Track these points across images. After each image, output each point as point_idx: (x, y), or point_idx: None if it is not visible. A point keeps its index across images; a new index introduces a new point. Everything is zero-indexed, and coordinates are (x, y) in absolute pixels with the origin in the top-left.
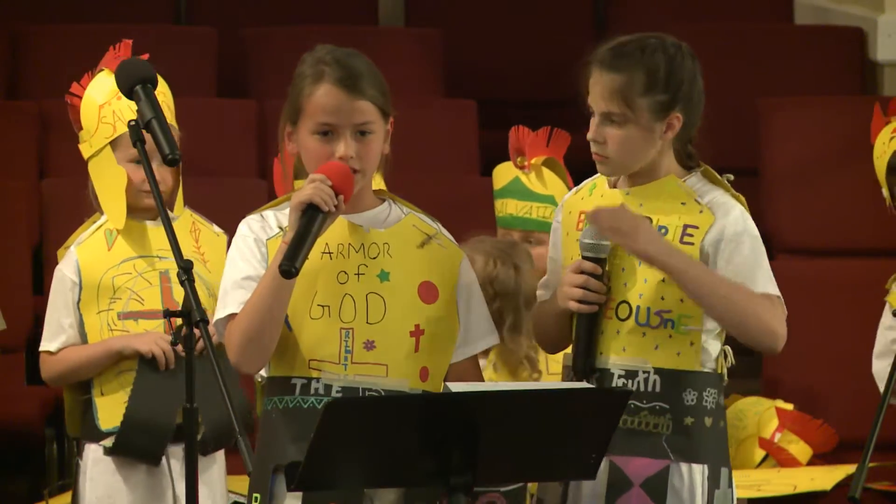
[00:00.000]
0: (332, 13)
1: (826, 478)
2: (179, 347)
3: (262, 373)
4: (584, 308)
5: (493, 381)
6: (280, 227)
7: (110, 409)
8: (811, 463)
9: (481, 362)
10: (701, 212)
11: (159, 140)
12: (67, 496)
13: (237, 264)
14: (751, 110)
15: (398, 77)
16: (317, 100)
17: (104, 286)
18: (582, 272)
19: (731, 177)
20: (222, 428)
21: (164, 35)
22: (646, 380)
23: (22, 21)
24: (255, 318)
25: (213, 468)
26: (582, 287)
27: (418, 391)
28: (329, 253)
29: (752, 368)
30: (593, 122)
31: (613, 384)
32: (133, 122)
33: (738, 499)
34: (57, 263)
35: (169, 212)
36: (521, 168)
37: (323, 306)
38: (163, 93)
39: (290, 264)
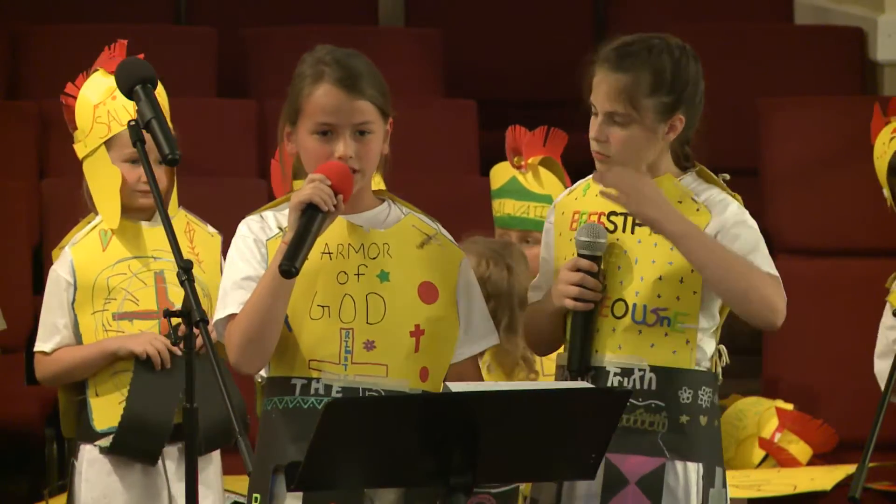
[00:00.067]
0: (332, 13)
1: (826, 478)
2: (174, 348)
3: (262, 373)
4: (580, 306)
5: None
6: (280, 228)
7: (105, 409)
8: (811, 463)
9: None
10: (698, 210)
11: (159, 140)
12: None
13: (237, 265)
14: (751, 110)
15: (398, 77)
16: (316, 100)
17: (99, 287)
18: (578, 270)
19: (727, 176)
20: (217, 428)
21: (163, 35)
22: (641, 378)
23: (22, 21)
24: (255, 319)
25: (210, 468)
26: (578, 285)
27: (418, 391)
28: (329, 253)
29: (752, 368)
30: (595, 120)
31: (609, 382)
32: (133, 122)
33: (738, 499)
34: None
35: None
36: (518, 168)
37: (323, 306)
38: (159, 93)
39: (289, 264)
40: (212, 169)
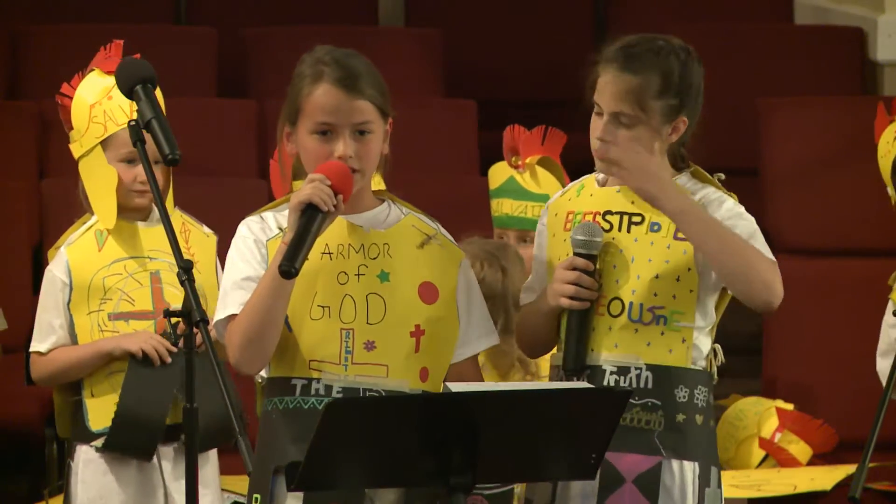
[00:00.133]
0: (332, 13)
1: (826, 478)
2: (171, 346)
3: (263, 373)
4: (577, 305)
5: None
6: (280, 228)
7: (101, 410)
8: (811, 463)
9: None
10: None
11: (159, 140)
12: None
13: (237, 265)
14: (750, 110)
15: (398, 77)
16: (316, 99)
17: (94, 287)
18: (574, 269)
19: (723, 176)
20: (213, 426)
21: (163, 35)
22: (638, 376)
23: (22, 21)
24: (256, 319)
25: (207, 467)
26: (574, 284)
27: (418, 391)
28: (329, 253)
29: (751, 368)
30: (599, 120)
31: (605, 381)
32: (133, 122)
33: (738, 499)
34: None
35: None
36: (516, 167)
37: (323, 307)
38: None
39: (289, 265)
40: (212, 169)
